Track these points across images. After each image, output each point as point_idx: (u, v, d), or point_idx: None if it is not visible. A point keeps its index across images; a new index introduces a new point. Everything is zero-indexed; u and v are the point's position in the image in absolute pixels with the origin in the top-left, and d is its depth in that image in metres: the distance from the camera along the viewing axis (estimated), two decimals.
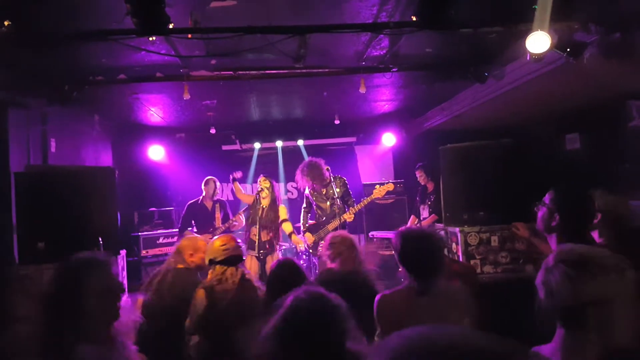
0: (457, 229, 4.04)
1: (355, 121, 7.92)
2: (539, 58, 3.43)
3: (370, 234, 7.20)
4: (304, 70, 4.52)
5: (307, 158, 6.01)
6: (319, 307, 1.46)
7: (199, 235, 4.07)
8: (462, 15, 3.33)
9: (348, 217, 5.45)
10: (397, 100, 6.76)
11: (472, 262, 3.95)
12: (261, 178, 5.62)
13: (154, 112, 6.56)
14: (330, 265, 3.14)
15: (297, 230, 6.04)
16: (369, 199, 5.78)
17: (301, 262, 5.52)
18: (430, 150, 5.66)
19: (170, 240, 6.96)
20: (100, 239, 3.75)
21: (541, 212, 2.33)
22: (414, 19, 3.30)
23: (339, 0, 3.38)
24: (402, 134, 8.05)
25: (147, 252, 6.74)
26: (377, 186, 5.96)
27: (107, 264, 1.87)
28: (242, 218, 6.03)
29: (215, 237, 3.13)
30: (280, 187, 8.35)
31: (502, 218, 3.85)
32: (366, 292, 2.56)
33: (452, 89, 5.73)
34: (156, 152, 7.58)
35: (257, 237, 5.35)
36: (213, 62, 4.48)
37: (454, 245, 4.14)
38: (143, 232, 6.91)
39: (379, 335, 2.27)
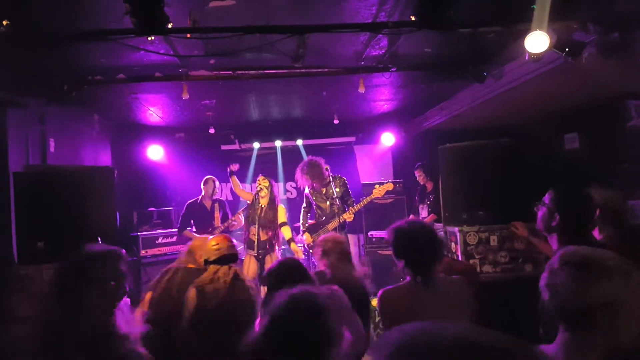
0: (456, 229, 4.04)
1: (354, 121, 7.92)
2: (538, 58, 3.43)
3: (369, 233, 7.21)
4: (303, 70, 4.52)
5: (306, 158, 6.01)
6: (306, 307, 1.45)
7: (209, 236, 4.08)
8: (461, 15, 3.33)
9: (348, 217, 5.45)
10: (396, 100, 6.76)
11: (471, 261, 3.95)
12: (260, 177, 5.61)
13: (153, 112, 6.56)
14: (321, 267, 3.15)
15: (296, 229, 6.04)
16: (368, 198, 5.78)
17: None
18: (429, 149, 5.66)
19: (169, 240, 6.95)
20: (99, 239, 3.75)
21: (541, 212, 2.33)
22: (413, 18, 3.30)
23: None
24: (401, 133, 8.05)
25: (146, 252, 6.74)
26: (377, 186, 5.96)
27: (119, 256, 1.88)
28: (241, 217, 6.02)
29: (210, 237, 3.14)
30: (280, 186, 8.35)
31: (501, 217, 3.86)
32: (357, 296, 2.56)
33: (451, 88, 5.73)
34: (155, 152, 7.58)
35: (256, 237, 5.34)
36: (212, 61, 4.48)
37: (453, 244, 4.14)
38: (142, 232, 6.90)
39: (382, 330, 2.29)
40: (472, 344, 0.63)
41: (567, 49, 3.47)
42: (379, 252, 6.79)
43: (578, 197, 2.30)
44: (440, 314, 2.17)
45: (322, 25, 3.51)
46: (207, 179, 6.37)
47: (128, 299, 1.88)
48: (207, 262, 2.94)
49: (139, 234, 6.79)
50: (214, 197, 6.35)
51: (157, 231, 7.01)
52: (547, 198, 2.32)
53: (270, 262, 5.37)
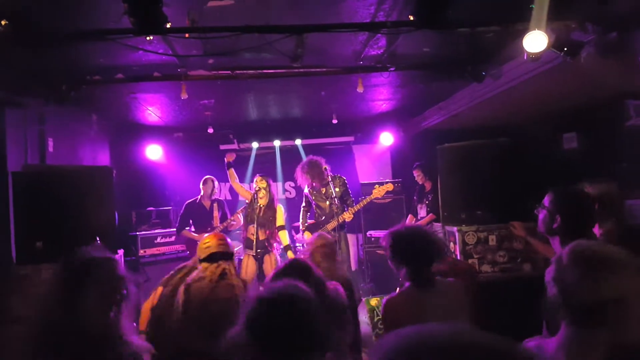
0: (454, 228, 4.05)
1: (353, 120, 7.92)
2: (536, 57, 3.44)
3: (368, 233, 7.21)
4: (302, 70, 4.52)
5: (305, 157, 5.99)
6: (286, 300, 1.45)
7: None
8: (459, 14, 3.34)
9: (348, 217, 5.45)
10: (395, 100, 6.76)
11: (469, 261, 3.96)
12: (257, 178, 5.57)
13: (152, 112, 6.55)
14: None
15: (296, 229, 6.04)
16: (368, 199, 5.79)
17: None
18: (428, 149, 5.67)
19: (168, 239, 6.95)
20: (97, 239, 3.74)
21: (542, 215, 2.33)
22: (412, 18, 3.30)
23: None
24: (399, 133, 8.06)
25: (144, 251, 6.73)
26: (377, 186, 5.96)
27: (112, 261, 1.88)
28: (240, 217, 6.02)
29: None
30: (278, 186, 8.35)
31: (499, 217, 3.87)
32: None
33: (449, 88, 5.73)
34: (154, 152, 7.57)
35: (254, 236, 5.33)
36: (210, 61, 4.48)
37: (451, 244, 4.15)
38: (141, 231, 6.89)
39: (381, 330, 2.30)
40: (468, 346, 0.63)
41: (565, 49, 3.47)
42: (378, 251, 6.79)
43: (577, 197, 2.30)
44: (442, 316, 2.18)
45: (321, 25, 3.51)
46: (206, 178, 6.37)
47: (131, 302, 1.87)
48: (200, 261, 2.97)
49: (137, 233, 6.78)
50: (213, 197, 6.35)
51: (156, 231, 7.01)
52: (546, 201, 2.32)
53: (268, 261, 5.37)
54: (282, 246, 5.56)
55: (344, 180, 5.76)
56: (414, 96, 6.47)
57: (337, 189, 5.51)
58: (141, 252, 6.69)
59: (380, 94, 6.29)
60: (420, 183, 6.59)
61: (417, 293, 2.31)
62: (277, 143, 8.14)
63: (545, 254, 3.11)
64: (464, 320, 2.20)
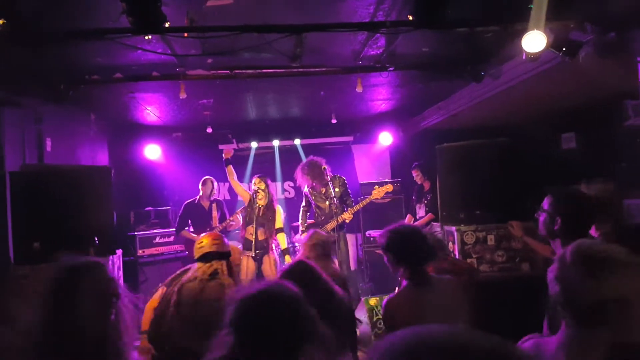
0: (453, 228, 4.05)
1: (352, 120, 7.92)
2: (535, 57, 3.44)
3: (367, 232, 7.22)
4: (301, 70, 4.51)
5: (304, 157, 5.98)
6: (268, 300, 1.45)
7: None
8: (458, 14, 3.34)
9: (347, 217, 5.45)
10: (394, 100, 6.76)
11: (468, 261, 3.96)
12: (255, 179, 5.55)
13: (150, 111, 6.54)
14: None
15: (295, 229, 6.03)
16: (367, 199, 5.78)
17: None
18: (426, 149, 5.67)
19: (166, 239, 6.94)
20: (96, 239, 3.74)
21: (542, 218, 2.34)
22: (411, 18, 3.30)
23: None
24: (399, 133, 8.06)
25: (143, 251, 6.72)
26: (376, 187, 5.96)
27: (100, 268, 1.86)
28: (239, 217, 6.01)
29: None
30: (277, 186, 8.35)
31: (498, 217, 3.87)
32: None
33: (448, 88, 5.74)
34: (152, 152, 7.56)
35: (253, 237, 5.32)
36: (209, 61, 4.47)
37: (450, 244, 4.15)
38: (139, 231, 6.88)
39: (381, 330, 2.32)
40: (467, 346, 0.63)
41: (564, 49, 3.47)
42: (377, 251, 6.78)
43: (576, 198, 2.31)
44: (441, 314, 2.18)
45: (320, 25, 3.51)
46: (205, 179, 6.36)
47: (130, 305, 1.85)
48: (194, 260, 3.00)
49: (136, 233, 6.78)
50: (212, 198, 6.34)
51: (155, 231, 7.00)
52: (545, 203, 2.32)
53: (267, 262, 5.36)
54: (280, 249, 5.54)
55: (344, 180, 5.75)
56: (413, 96, 6.47)
57: (336, 189, 5.51)
58: (140, 252, 6.69)
59: (380, 93, 6.29)
60: (419, 183, 6.59)
61: (416, 292, 2.31)
62: (276, 143, 8.14)
63: (543, 253, 3.12)
64: (463, 317, 2.21)
